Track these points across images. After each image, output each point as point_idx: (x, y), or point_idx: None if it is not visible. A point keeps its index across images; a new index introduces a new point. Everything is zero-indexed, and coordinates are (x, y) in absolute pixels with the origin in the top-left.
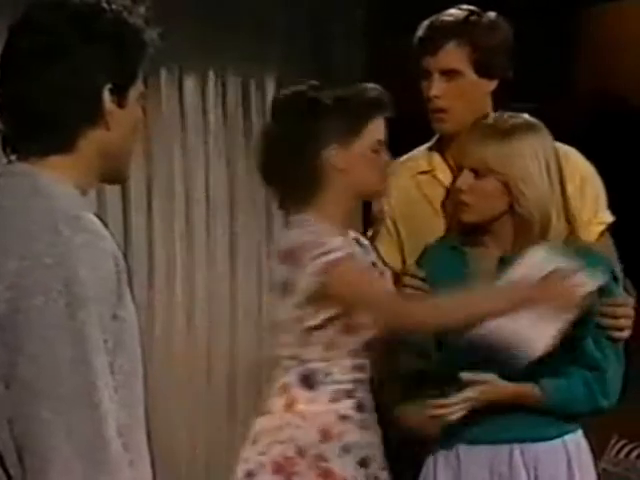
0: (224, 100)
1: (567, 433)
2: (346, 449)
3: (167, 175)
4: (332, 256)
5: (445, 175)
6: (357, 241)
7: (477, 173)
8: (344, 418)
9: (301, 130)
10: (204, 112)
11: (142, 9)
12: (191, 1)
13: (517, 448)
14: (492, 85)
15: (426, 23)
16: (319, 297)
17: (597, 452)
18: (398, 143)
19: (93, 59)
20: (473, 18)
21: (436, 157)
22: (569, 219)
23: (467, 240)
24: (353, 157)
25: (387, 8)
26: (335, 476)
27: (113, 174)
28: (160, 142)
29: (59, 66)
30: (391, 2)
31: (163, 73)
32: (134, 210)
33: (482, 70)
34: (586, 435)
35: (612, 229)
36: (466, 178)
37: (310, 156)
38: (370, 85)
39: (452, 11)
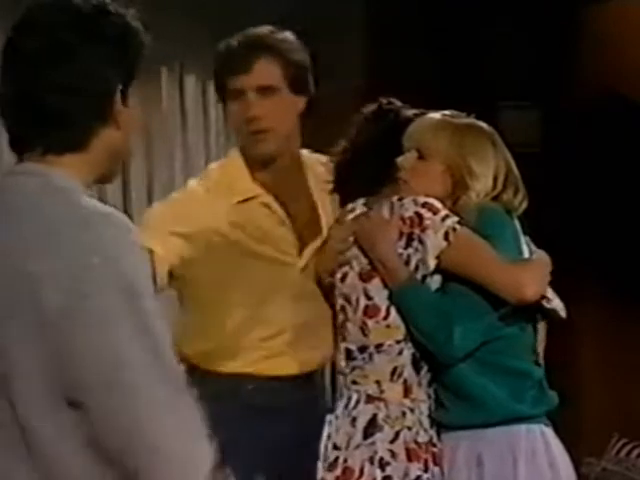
0: None
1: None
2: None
3: (168, 174)
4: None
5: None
6: None
7: (421, 154)
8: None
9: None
10: (205, 111)
11: (133, 11)
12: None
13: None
14: (302, 104)
15: (230, 43)
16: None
17: (598, 451)
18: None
19: (102, 60)
20: (278, 35)
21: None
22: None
23: None
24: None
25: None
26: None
27: (110, 173)
28: (161, 141)
29: (68, 66)
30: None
31: (164, 72)
32: (135, 209)
33: (297, 86)
34: (586, 434)
35: (613, 227)
36: (409, 157)
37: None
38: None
39: (253, 30)
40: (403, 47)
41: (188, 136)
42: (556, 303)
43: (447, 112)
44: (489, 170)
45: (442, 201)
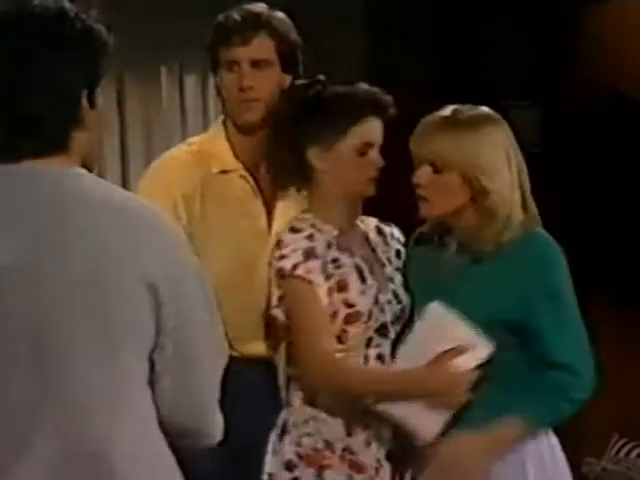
0: None
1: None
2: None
3: None
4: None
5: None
6: (378, 229)
7: (436, 167)
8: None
9: (287, 130)
10: (204, 110)
11: (94, 12)
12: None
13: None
14: (288, 81)
15: (231, 16)
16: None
17: (598, 451)
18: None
19: (67, 65)
20: (276, 14)
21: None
22: (526, 208)
23: (438, 232)
24: (335, 159)
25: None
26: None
27: None
28: (161, 140)
29: (37, 72)
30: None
31: (163, 71)
32: None
33: (287, 64)
34: (586, 434)
35: (615, 228)
36: (424, 172)
37: (297, 156)
38: (363, 86)
39: (251, 6)
40: (403, 47)
41: (188, 135)
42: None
43: (448, 111)
44: (502, 161)
45: (465, 214)
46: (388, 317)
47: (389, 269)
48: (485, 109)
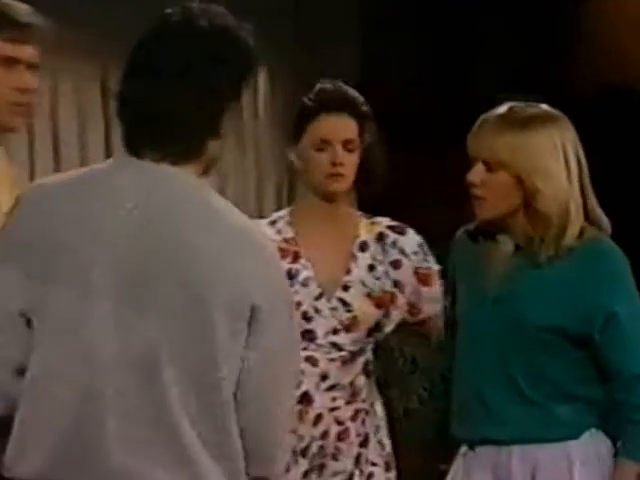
0: None
1: (570, 437)
2: None
3: None
4: None
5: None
6: (380, 235)
7: (489, 166)
8: None
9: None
10: None
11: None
12: None
13: (516, 450)
14: None
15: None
16: None
17: None
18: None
19: (222, 80)
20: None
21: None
22: (588, 215)
23: (486, 233)
24: (300, 156)
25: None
26: None
27: None
28: None
29: (192, 85)
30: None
31: None
32: None
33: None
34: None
35: (620, 219)
36: (478, 171)
37: (287, 157)
38: (332, 83)
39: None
40: (398, 44)
41: None
42: None
43: (505, 108)
44: (559, 164)
45: (520, 217)
46: (321, 323)
47: (356, 276)
48: (544, 107)
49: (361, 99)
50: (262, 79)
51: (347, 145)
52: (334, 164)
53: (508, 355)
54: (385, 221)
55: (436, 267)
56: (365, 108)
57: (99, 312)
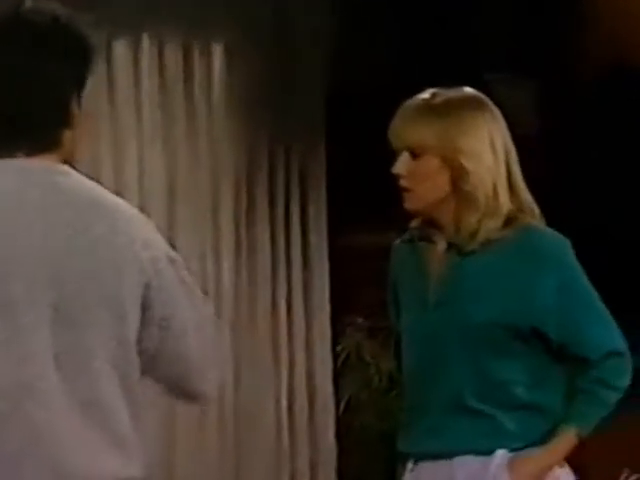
0: (161, 70)
1: (515, 449)
2: None
3: (92, 159)
4: None
5: None
6: None
7: (414, 152)
8: None
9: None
10: (136, 84)
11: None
12: None
13: (457, 463)
14: None
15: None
16: None
17: None
18: None
19: (60, 72)
20: None
21: None
22: (519, 203)
23: (419, 232)
24: None
25: None
26: None
27: None
28: None
29: (32, 78)
30: None
31: None
32: None
33: None
34: (595, 468)
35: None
36: (404, 161)
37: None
38: None
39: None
40: (373, 14)
41: (116, 113)
42: None
43: (426, 95)
44: (484, 145)
45: (448, 205)
46: None
47: None
48: (468, 90)
49: None
50: (218, 58)
51: None
52: None
53: (453, 362)
54: None
55: None
56: None
57: None
